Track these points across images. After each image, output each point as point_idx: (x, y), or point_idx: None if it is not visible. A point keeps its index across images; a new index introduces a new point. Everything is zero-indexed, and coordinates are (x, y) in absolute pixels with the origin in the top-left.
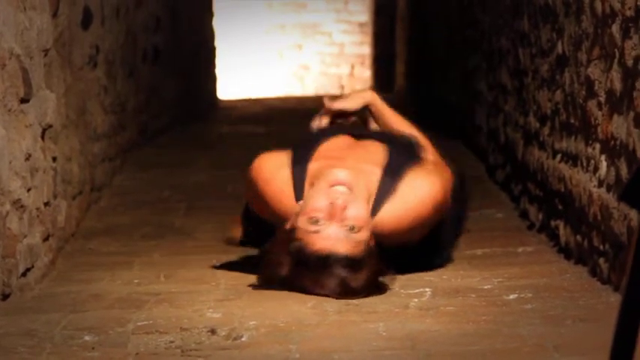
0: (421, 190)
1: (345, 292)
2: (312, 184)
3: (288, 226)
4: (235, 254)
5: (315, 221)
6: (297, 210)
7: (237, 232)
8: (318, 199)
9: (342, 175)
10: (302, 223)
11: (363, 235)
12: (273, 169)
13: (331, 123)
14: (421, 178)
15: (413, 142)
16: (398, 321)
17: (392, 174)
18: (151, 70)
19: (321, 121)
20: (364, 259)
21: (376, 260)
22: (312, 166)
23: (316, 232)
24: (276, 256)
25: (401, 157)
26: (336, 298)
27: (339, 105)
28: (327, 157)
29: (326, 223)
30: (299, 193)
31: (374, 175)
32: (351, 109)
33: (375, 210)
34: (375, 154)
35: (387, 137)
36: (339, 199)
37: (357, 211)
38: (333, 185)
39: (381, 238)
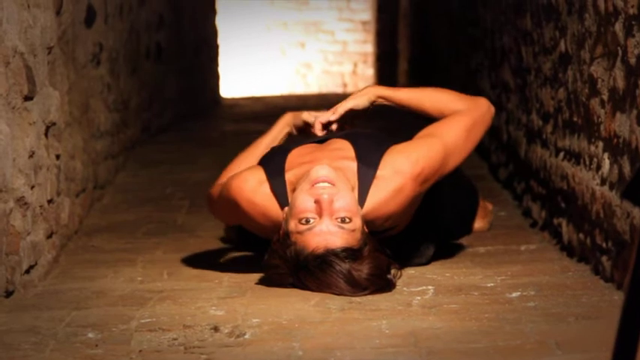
0: (400, 168)
1: (353, 285)
2: (294, 192)
3: (280, 233)
4: (238, 252)
5: (306, 221)
6: (284, 216)
7: (232, 235)
8: (303, 199)
9: (323, 171)
10: (293, 226)
11: (356, 223)
12: (252, 188)
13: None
14: (396, 157)
15: (374, 133)
16: (401, 318)
17: (367, 163)
18: (154, 68)
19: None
20: (362, 247)
21: (376, 247)
22: (289, 176)
23: (309, 229)
24: (277, 268)
25: (369, 146)
26: (348, 295)
27: (348, 105)
28: (300, 163)
29: (317, 219)
30: (284, 205)
31: (350, 168)
32: (359, 106)
33: (361, 200)
34: (343, 150)
35: (349, 133)
36: (324, 194)
37: (345, 201)
38: (315, 183)
39: (375, 225)
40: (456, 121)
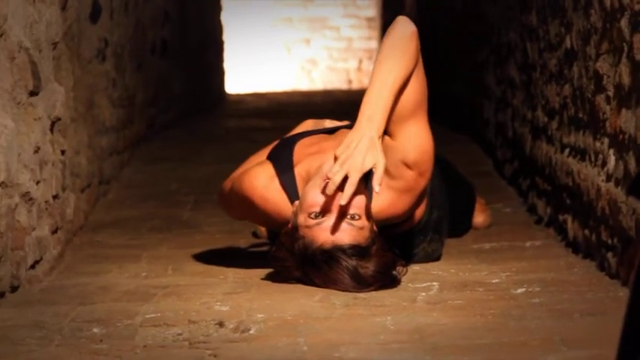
0: (402, 174)
1: (359, 282)
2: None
3: (289, 227)
4: (243, 247)
5: (315, 216)
6: (294, 210)
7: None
8: (314, 194)
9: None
10: (302, 220)
11: (365, 221)
12: (264, 185)
13: None
14: (395, 159)
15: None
16: (406, 314)
17: None
18: (160, 64)
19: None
20: (370, 245)
21: (383, 245)
22: (299, 170)
23: (318, 224)
24: (283, 261)
25: None
26: (352, 291)
27: (366, 168)
28: (308, 155)
29: (326, 215)
30: (294, 199)
31: None
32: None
33: (368, 198)
34: None
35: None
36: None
37: (355, 198)
38: (327, 179)
39: (381, 221)
40: (419, 83)
